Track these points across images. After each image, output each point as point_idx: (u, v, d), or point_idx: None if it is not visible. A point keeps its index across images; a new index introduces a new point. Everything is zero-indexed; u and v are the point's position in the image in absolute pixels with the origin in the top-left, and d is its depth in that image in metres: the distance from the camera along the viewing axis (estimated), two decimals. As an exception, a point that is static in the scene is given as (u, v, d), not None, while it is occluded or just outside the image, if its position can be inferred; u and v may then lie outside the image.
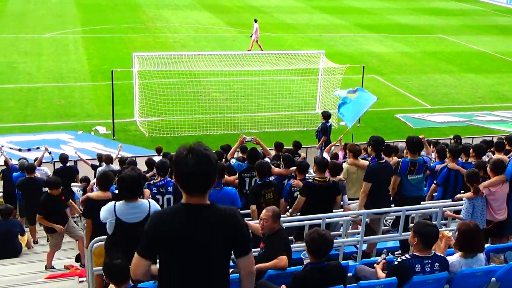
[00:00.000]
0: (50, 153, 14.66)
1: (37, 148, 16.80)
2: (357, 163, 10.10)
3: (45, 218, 9.91)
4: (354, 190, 9.98)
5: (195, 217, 3.77)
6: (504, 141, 10.85)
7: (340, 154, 12.87)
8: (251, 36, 32.21)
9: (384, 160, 8.84)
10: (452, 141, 13.61)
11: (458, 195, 8.65)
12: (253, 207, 8.33)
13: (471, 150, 10.24)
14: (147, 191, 8.72)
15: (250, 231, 5.73)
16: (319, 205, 8.24)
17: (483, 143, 11.95)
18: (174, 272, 3.83)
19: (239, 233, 3.90)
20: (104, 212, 6.28)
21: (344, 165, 10.41)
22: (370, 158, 9.40)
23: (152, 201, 6.47)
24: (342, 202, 8.99)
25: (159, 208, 6.46)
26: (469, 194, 8.15)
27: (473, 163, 9.61)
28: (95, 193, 7.95)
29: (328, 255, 5.49)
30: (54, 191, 9.90)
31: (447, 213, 8.59)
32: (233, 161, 10.15)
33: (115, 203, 6.26)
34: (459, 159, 9.89)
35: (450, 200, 9.06)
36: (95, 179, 13.21)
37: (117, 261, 5.34)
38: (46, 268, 10.24)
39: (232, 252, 3.99)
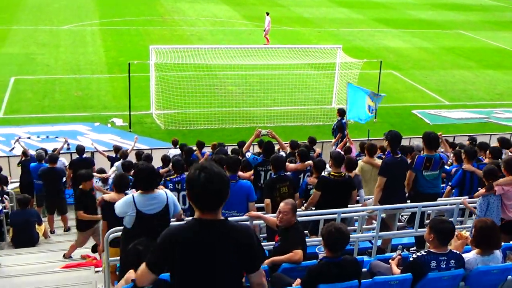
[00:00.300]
0: (68, 145, 14.78)
1: (56, 137, 16.94)
2: (372, 162, 10.05)
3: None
4: (368, 189, 9.95)
5: (208, 232, 3.81)
6: None
7: (353, 149, 12.85)
8: (264, 31, 32.36)
9: (400, 155, 8.78)
10: (467, 142, 13.47)
11: (477, 193, 8.54)
12: (267, 200, 8.33)
13: (487, 152, 10.11)
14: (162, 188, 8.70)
15: (262, 247, 5.69)
16: (334, 200, 8.21)
17: (500, 142, 11.79)
18: (185, 284, 3.87)
19: (252, 252, 3.92)
20: (122, 206, 6.26)
21: (359, 163, 10.37)
22: (385, 153, 9.33)
23: (169, 191, 6.46)
24: (358, 198, 8.95)
25: (175, 199, 6.48)
26: (482, 191, 8.06)
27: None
28: (109, 195, 7.95)
29: (344, 249, 5.47)
30: (87, 184, 9.78)
31: (464, 201, 8.49)
32: (248, 154, 10.15)
33: (133, 195, 6.27)
34: (476, 159, 9.78)
35: (467, 197, 8.99)
36: (111, 170, 13.35)
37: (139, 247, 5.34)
38: (64, 257, 10.33)
39: (244, 267, 4.02)
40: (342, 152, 11.76)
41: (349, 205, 8.68)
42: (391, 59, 30.59)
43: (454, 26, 41.84)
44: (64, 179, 13.12)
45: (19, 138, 15.86)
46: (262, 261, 4.16)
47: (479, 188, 8.80)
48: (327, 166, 10.13)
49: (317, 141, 15.93)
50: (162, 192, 6.35)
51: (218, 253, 3.79)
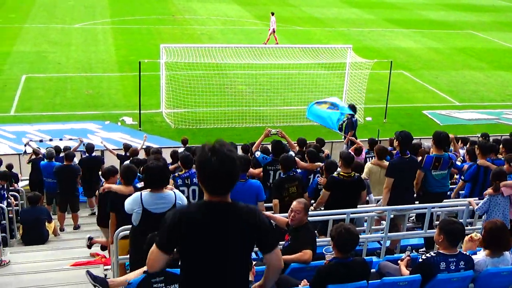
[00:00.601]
0: (85, 145, 14.81)
1: (69, 139, 16.95)
2: (381, 164, 10.00)
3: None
4: (376, 191, 9.92)
5: (217, 213, 3.79)
6: None
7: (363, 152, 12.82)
8: (269, 30, 32.35)
9: (409, 155, 8.74)
10: (481, 138, 13.35)
11: (485, 192, 8.48)
12: (276, 201, 8.32)
13: (500, 146, 10.03)
14: (170, 182, 8.71)
15: (274, 229, 5.69)
16: (343, 200, 8.20)
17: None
18: (192, 266, 3.85)
19: (263, 228, 3.90)
20: (130, 203, 6.30)
21: (368, 164, 10.33)
22: (395, 152, 9.30)
23: (178, 191, 6.46)
24: (368, 199, 8.93)
25: (184, 198, 6.48)
26: (489, 190, 8.00)
27: (503, 159, 9.43)
28: (117, 187, 7.94)
29: (354, 250, 5.46)
30: (114, 179, 9.02)
31: (471, 201, 8.44)
32: (258, 153, 10.16)
33: (141, 193, 6.28)
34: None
35: (477, 198, 8.93)
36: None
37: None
38: (88, 245, 9.98)
39: (259, 248, 4.01)
40: (352, 153, 11.75)
41: (358, 205, 8.66)
42: (402, 59, 30.47)
43: (466, 27, 41.59)
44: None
45: (30, 140, 15.93)
46: (276, 242, 4.09)
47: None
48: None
49: (327, 141, 15.89)
50: (171, 192, 6.35)
51: (226, 235, 3.78)
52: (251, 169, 9.29)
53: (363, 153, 12.86)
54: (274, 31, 32.04)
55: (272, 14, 32.43)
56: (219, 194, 3.80)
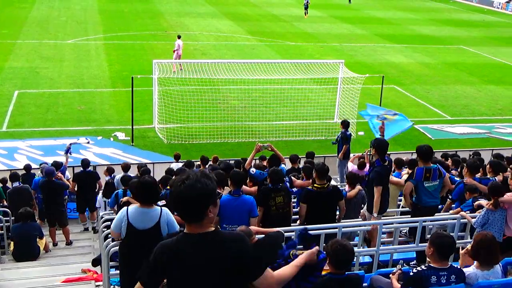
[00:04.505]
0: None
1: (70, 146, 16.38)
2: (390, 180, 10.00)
3: None
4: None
5: (194, 245, 3.73)
6: None
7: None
8: (174, 51, 28.44)
9: (387, 162, 8.88)
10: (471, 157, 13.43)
11: (478, 202, 8.47)
12: (261, 208, 8.29)
13: (487, 166, 10.11)
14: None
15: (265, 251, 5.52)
16: (320, 211, 8.24)
17: (499, 159, 11.75)
18: None
19: (246, 257, 3.77)
20: (118, 216, 6.34)
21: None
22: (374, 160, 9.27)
23: (165, 209, 6.43)
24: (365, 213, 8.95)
25: (171, 215, 6.39)
26: (489, 204, 7.97)
27: (491, 178, 9.48)
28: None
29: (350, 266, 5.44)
30: None
31: (463, 214, 8.46)
32: (253, 170, 10.05)
33: (128, 208, 6.33)
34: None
35: (469, 212, 8.96)
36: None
37: None
38: None
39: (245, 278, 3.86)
40: (353, 166, 11.88)
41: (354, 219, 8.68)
42: (394, 74, 30.67)
43: (457, 42, 41.97)
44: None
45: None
46: (263, 267, 3.90)
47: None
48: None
49: (320, 155, 15.95)
50: (157, 208, 6.32)
51: (205, 266, 3.70)
52: (246, 187, 9.24)
53: (366, 171, 12.82)
54: (179, 56, 28.24)
55: (179, 37, 28.97)
56: (191, 222, 3.75)
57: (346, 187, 10.16)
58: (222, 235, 3.81)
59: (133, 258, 6.12)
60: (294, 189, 10.21)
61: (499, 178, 9.40)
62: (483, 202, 8.23)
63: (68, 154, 14.73)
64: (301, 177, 10.77)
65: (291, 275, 4.21)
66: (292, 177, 10.63)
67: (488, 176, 9.73)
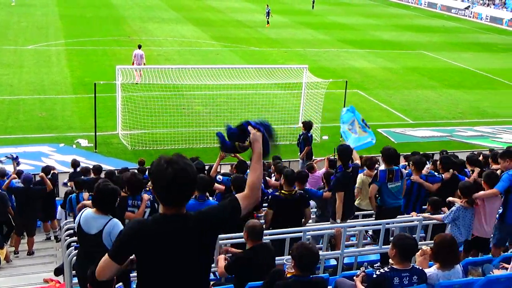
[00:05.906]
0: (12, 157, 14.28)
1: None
2: (372, 174, 10.08)
3: None
4: (367, 202, 10.07)
5: (172, 226, 3.75)
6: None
7: (323, 169, 12.89)
8: (133, 63, 26.20)
9: (351, 169, 9.00)
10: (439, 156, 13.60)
11: (450, 198, 8.57)
12: None
13: (438, 163, 10.31)
14: (145, 196, 8.45)
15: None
16: (286, 217, 8.27)
17: (449, 156, 11.90)
18: (148, 279, 3.82)
19: (218, 222, 3.92)
20: (77, 216, 6.45)
21: (360, 175, 10.43)
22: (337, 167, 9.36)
23: (115, 220, 6.38)
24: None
25: (119, 225, 6.32)
26: (462, 202, 8.05)
27: (438, 176, 9.65)
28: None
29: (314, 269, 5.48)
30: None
31: (412, 213, 8.68)
32: (220, 177, 10.03)
33: (83, 211, 6.35)
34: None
35: (416, 212, 9.10)
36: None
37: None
38: None
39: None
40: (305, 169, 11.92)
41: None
42: (357, 79, 31.05)
43: (417, 47, 42.77)
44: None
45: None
46: (233, 215, 4.01)
47: (423, 206, 8.98)
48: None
49: (285, 159, 15.99)
50: (107, 217, 6.30)
51: (182, 247, 3.74)
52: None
53: (317, 173, 12.89)
54: (135, 65, 25.77)
55: (139, 47, 27.39)
56: (173, 206, 3.76)
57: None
58: (195, 215, 3.86)
59: (80, 259, 6.41)
60: (270, 190, 10.12)
61: (446, 175, 9.59)
62: (456, 199, 8.36)
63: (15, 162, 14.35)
64: (271, 172, 10.71)
65: (260, 173, 4.25)
66: (267, 178, 10.61)
67: (436, 174, 9.85)
